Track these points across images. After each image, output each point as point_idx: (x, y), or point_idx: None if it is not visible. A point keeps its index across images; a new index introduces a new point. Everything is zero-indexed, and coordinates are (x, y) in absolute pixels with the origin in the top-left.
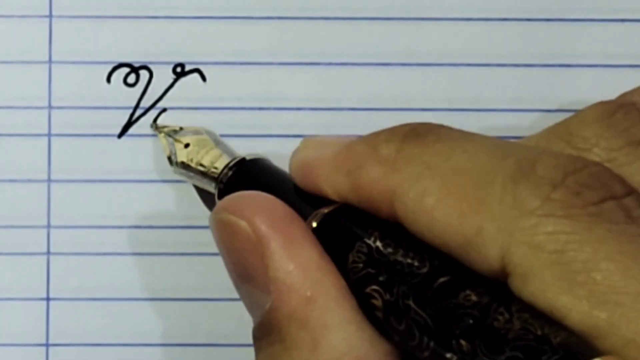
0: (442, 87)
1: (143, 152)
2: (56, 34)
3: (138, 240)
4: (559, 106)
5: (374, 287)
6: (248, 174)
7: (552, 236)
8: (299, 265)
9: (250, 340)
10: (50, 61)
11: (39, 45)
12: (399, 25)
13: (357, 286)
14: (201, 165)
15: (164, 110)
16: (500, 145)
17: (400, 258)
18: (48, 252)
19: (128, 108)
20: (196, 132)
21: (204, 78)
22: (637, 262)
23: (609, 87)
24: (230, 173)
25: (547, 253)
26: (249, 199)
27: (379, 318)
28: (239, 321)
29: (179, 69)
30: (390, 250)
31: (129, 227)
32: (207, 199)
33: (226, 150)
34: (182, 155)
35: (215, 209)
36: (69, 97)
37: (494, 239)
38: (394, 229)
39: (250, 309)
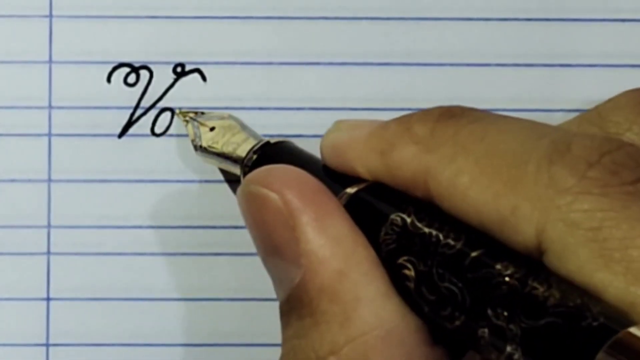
0: (442, 87)
1: (143, 152)
2: (56, 34)
3: (138, 240)
4: (559, 106)
5: (407, 257)
6: (273, 157)
7: (588, 213)
8: (331, 239)
9: (251, 340)
10: (50, 61)
11: (39, 45)
12: (399, 25)
13: (389, 258)
14: (226, 148)
15: (164, 110)
16: (534, 126)
17: (434, 231)
18: (48, 252)
19: (128, 108)
20: (221, 117)
21: (204, 78)
22: None
23: (609, 87)
24: (255, 157)
25: (583, 230)
26: (279, 171)
27: (409, 289)
28: (239, 321)
29: (179, 69)
30: (424, 223)
31: (129, 227)
32: (232, 181)
33: (251, 134)
34: (207, 139)
35: (244, 181)
36: (69, 97)
37: (530, 218)
38: (427, 205)
39: (278, 283)
